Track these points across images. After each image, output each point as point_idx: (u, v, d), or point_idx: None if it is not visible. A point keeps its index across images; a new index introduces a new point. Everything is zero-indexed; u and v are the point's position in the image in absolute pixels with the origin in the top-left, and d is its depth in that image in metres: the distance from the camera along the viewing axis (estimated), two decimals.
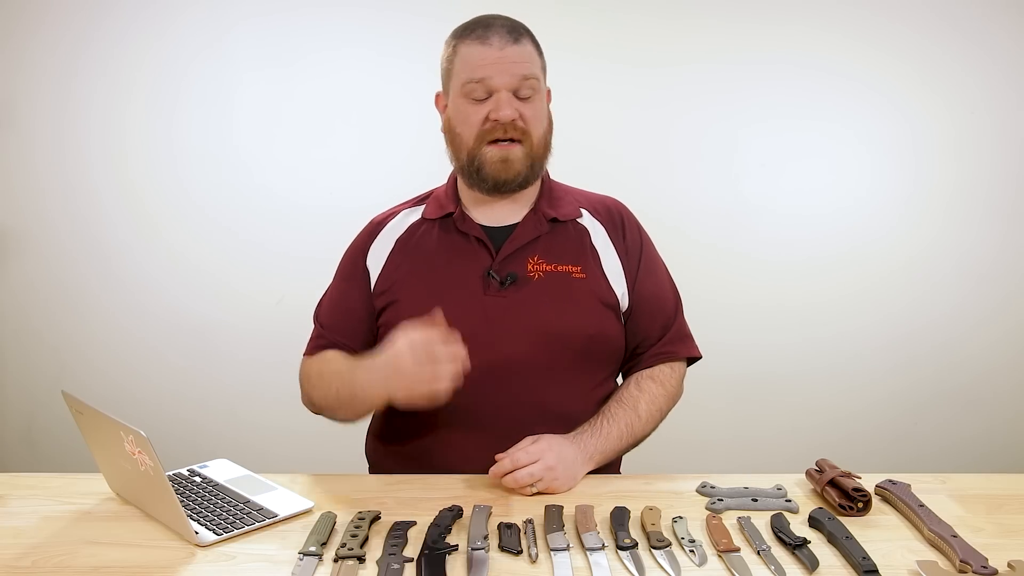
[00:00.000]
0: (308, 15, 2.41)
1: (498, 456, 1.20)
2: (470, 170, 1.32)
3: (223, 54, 2.43)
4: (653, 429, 1.37)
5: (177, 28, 2.42)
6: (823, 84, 2.43)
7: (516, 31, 1.29)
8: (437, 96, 1.38)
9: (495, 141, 1.29)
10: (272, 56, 2.43)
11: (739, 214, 2.48)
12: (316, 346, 1.41)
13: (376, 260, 1.39)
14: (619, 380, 1.44)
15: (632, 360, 1.42)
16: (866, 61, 2.41)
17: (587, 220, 1.40)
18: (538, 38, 1.34)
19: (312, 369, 1.38)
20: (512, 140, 1.29)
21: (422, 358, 1.11)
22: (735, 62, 2.42)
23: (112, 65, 2.44)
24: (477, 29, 1.29)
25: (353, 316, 1.39)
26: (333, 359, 1.35)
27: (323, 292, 1.47)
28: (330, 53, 2.43)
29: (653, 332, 1.40)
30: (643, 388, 1.36)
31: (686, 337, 1.44)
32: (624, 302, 1.37)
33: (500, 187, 1.33)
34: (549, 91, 1.38)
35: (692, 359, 1.45)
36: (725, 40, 2.41)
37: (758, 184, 2.47)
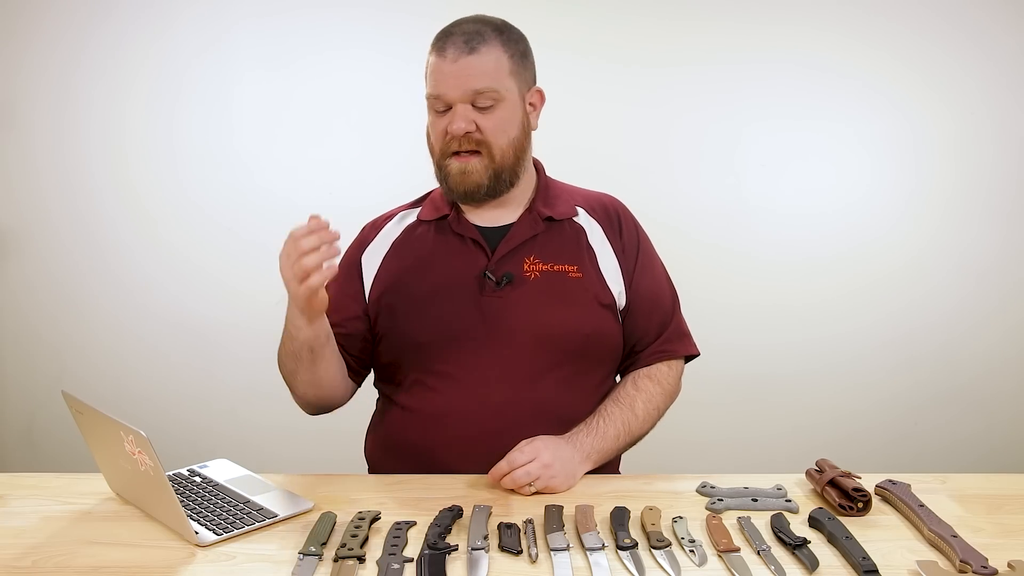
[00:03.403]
0: (308, 15, 2.41)
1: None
2: (440, 179, 1.34)
3: (223, 54, 2.43)
4: (651, 428, 1.37)
5: (177, 28, 2.42)
6: (823, 84, 2.42)
7: (476, 38, 1.26)
8: None
9: (456, 153, 1.29)
10: (272, 56, 2.43)
11: (739, 214, 2.48)
12: None
13: (371, 263, 1.40)
14: (618, 379, 1.44)
15: (630, 359, 1.41)
16: (866, 61, 2.41)
17: (583, 218, 1.40)
18: (523, 37, 1.32)
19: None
20: (472, 151, 1.29)
21: (292, 256, 1.17)
22: (735, 62, 2.42)
23: (112, 65, 2.44)
24: (440, 39, 1.29)
25: (342, 309, 1.37)
26: None
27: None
28: (330, 53, 2.43)
29: (650, 330, 1.40)
30: (640, 387, 1.36)
31: (684, 335, 1.44)
32: (621, 300, 1.37)
33: (465, 198, 1.34)
34: (540, 91, 1.36)
35: (690, 357, 1.45)
36: (725, 40, 2.41)
37: (758, 184, 2.47)
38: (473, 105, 1.27)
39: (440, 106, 1.28)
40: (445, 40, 1.27)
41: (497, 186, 1.32)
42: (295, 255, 1.16)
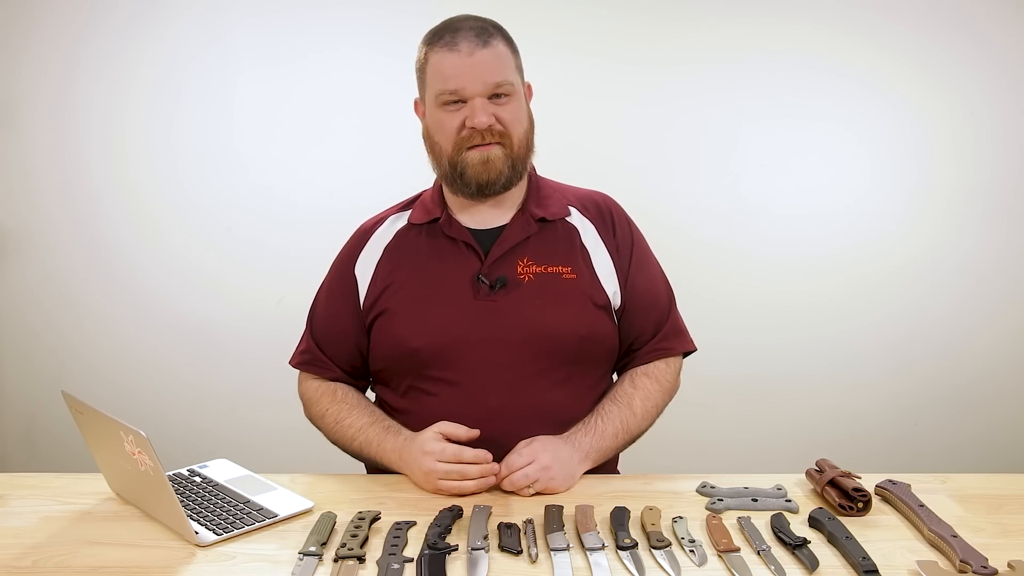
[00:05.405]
0: (307, 15, 2.41)
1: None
2: (453, 176, 1.32)
3: (223, 54, 2.43)
4: (650, 425, 1.37)
5: (177, 28, 2.42)
6: (823, 84, 2.42)
7: (485, 33, 1.26)
8: (416, 103, 1.37)
9: (473, 147, 1.28)
10: (272, 56, 2.43)
11: (739, 214, 2.48)
12: (303, 361, 1.43)
13: (365, 270, 1.39)
14: (614, 377, 1.44)
15: (627, 357, 1.41)
16: (866, 61, 2.41)
17: (576, 218, 1.39)
18: (515, 34, 1.32)
19: (323, 407, 1.39)
20: (493, 143, 1.28)
21: (451, 468, 1.18)
22: (735, 62, 2.42)
23: (112, 65, 2.44)
24: (445, 35, 1.27)
25: (342, 333, 1.39)
26: (352, 408, 1.37)
27: (316, 291, 1.47)
28: (330, 53, 2.43)
29: (647, 329, 1.39)
30: (638, 385, 1.36)
31: (680, 332, 1.43)
32: (616, 300, 1.36)
33: (483, 189, 1.31)
34: (529, 86, 1.36)
35: (688, 352, 1.45)
36: (725, 40, 2.41)
37: (758, 184, 2.47)
38: (488, 98, 1.26)
39: (453, 100, 1.27)
40: (455, 35, 1.26)
41: (513, 177, 1.32)
42: (456, 472, 1.18)
